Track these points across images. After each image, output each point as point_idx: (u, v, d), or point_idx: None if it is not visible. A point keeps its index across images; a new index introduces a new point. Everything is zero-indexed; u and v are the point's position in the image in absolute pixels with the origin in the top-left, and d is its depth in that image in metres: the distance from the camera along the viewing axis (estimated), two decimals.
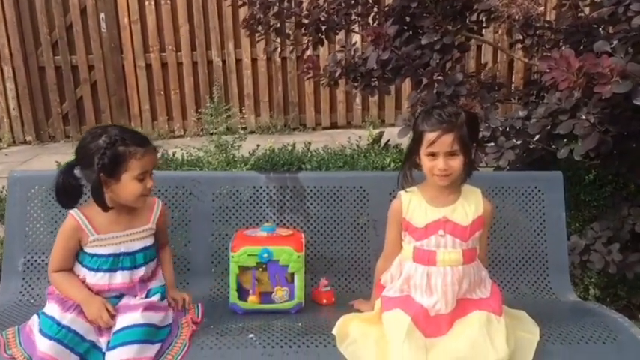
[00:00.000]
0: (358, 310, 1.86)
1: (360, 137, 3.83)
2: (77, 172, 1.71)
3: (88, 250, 1.72)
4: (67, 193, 1.69)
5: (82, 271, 1.73)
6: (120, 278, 1.72)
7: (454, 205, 1.72)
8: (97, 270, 1.71)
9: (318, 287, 2.04)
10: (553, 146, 2.39)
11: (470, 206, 1.72)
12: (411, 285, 1.71)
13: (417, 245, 1.72)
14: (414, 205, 1.74)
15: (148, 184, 1.70)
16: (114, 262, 1.72)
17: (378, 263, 1.86)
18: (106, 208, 1.68)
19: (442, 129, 1.63)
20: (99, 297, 1.68)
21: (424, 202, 1.73)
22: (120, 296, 1.72)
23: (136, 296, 1.73)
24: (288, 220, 2.18)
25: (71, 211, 1.73)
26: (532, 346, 1.66)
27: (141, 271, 1.75)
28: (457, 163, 1.65)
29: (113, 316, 1.65)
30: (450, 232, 1.69)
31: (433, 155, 1.65)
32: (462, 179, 1.71)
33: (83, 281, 1.72)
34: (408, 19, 2.62)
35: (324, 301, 1.99)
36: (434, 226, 1.70)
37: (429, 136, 1.64)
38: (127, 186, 1.67)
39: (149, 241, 1.80)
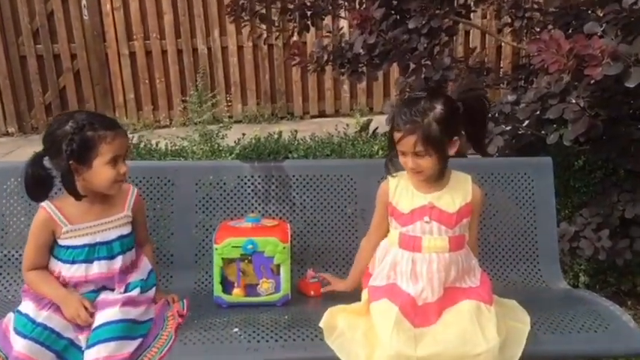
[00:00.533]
0: (332, 291, 1.87)
1: (347, 125, 3.78)
2: (46, 162, 1.64)
3: (62, 242, 1.66)
4: (36, 184, 1.63)
5: (57, 265, 1.67)
6: (97, 269, 1.67)
7: (441, 192, 1.68)
8: (73, 262, 1.66)
9: (305, 279, 1.99)
10: (542, 132, 2.35)
11: (458, 193, 1.68)
12: (397, 272, 1.68)
13: (403, 231, 1.69)
14: (400, 190, 1.71)
15: (121, 170, 1.65)
16: (89, 253, 1.67)
17: (361, 242, 1.85)
18: (78, 197, 1.62)
19: (405, 130, 1.58)
20: (76, 294, 1.63)
21: (411, 187, 1.69)
22: (98, 291, 1.67)
23: (114, 290, 1.68)
24: (273, 211, 2.13)
25: (42, 204, 1.67)
26: (523, 336, 1.63)
27: (118, 261, 1.70)
28: (426, 162, 1.60)
29: (92, 314, 1.59)
30: (435, 219, 1.66)
31: (403, 153, 1.62)
32: (439, 173, 1.65)
33: (59, 276, 1.66)
34: (394, 2, 2.56)
35: (312, 292, 1.95)
36: (419, 211, 1.67)
37: (396, 135, 1.62)
38: (100, 172, 1.62)
39: (126, 230, 1.74)
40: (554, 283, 2.09)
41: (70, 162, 1.57)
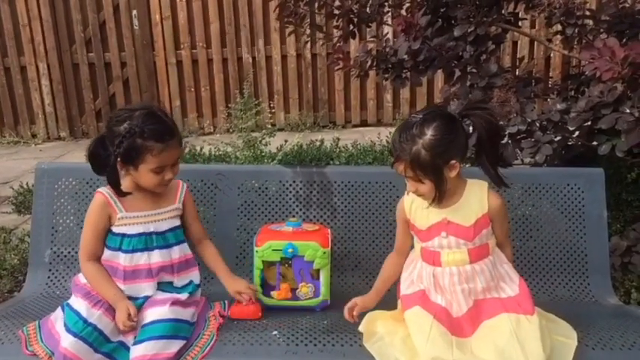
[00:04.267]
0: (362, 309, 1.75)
1: (390, 133, 3.75)
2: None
3: (116, 229, 1.70)
4: (95, 160, 1.66)
5: (119, 257, 1.70)
6: (159, 257, 1.71)
7: (456, 206, 1.63)
8: (133, 251, 1.69)
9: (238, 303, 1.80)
10: (594, 142, 2.27)
11: (473, 205, 1.63)
12: (424, 284, 1.66)
13: (423, 246, 1.67)
14: (415, 207, 1.68)
15: (166, 176, 1.67)
16: (148, 241, 1.70)
17: (387, 258, 1.81)
18: (120, 193, 1.66)
19: (395, 156, 1.58)
20: (126, 300, 1.64)
21: (426, 204, 1.65)
22: (147, 297, 1.70)
23: (172, 282, 1.72)
24: (314, 216, 2.12)
25: (99, 189, 1.72)
26: (570, 352, 1.56)
27: (176, 252, 1.74)
28: (422, 187, 1.57)
29: (135, 321, 1.60)
30: (452, 234, 1.62)
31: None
32: (442, 195, 1.58)
33: (124, 268, 1.69)
34: (442, 10, 2.54)
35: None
36: (436, 227, 1.64)
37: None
38: (144, 176, 1.65)
39: (177, 222, 1.78)
40: (604, 299, 2.00)
41: (118, 160, 1.61)
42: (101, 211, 1.70)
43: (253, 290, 1.78)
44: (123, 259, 1.69)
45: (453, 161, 1.55)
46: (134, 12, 5.94)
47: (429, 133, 1.52)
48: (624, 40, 2.34)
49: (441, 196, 1.58)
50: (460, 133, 1.57)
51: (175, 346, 1.57)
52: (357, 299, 1.73)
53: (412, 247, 1.75)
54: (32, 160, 4.96)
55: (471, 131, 1.64)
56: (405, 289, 1.70)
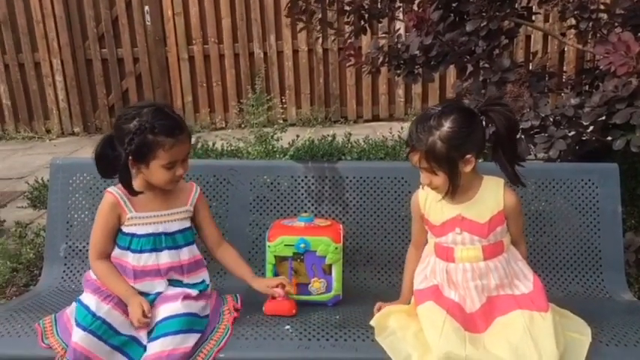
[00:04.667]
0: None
1: (402, 128, 3.75)
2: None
3: (126, 229, 1.71)
4: (103, 162, 1.67)
5: (127, 256, 1.71)
6: (167, 257, 1.71)
7: (471, 202, 1.62)
8: (141, 251, 1.70)
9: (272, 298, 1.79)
10: (608, 137, 2.25)
11: (488, 202, 1.62)
12: (437, 279, 1.66)
13: (437, 241, 1.67)
14: (430, 202, 1.67)
15: (177, 172, 1.67)
16: (156, 242, 1.71)
17: (407, 254, 1.81)
18: (132, 192, 1.67)
19: (411, 146, 1.57)
20: (138, 296, 1.66)
21: (439, 197, 1.63)
22: (158, 294, 1.71)
23: (182, 281, 1.73)
24: (326, 211, 2.13)
25: (109, 189, 1.73)
26: (584, 348, 1.55)
27: (185, 253, 1.74)
28: (436, 179, 1.56)
29: (148, 318, 1.61)
30: (467, 230, 1.61)
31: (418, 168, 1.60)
32: (455, 189, 1.57)
33: (132, 268, 1.70)
34: (454, 5, 2.52)
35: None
36: (450, 223, 1.63)
37: (407, 150, 1.62)
38: (156, 172, 1.65)
39: (187, 223, 1.78)
40: (618, 295, 1.99)
41: (129, 158, 1.62)
42: (111, 211, 1.71)
43: (285, 281, 1.76)
44: (131, 259, 1.70)
45: (469, 155, 1.54)
46: (146, 8, 5.96)
47: (447, 125, 1.52)
48: (639, 34, 2.30)
49: (454, 189, 1.57)
50: (478, 128, 1.57)
51: (191, 340, 1.59)
52: (392, 307, 1.71)
53: (426, 242, 1.75)
54: (47, 156, 5.01)
55: (488, 128, 1.63)
56: (418, 283, 1.70)
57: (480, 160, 1.61)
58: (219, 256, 1.85)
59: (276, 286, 1.74)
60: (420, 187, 1.69)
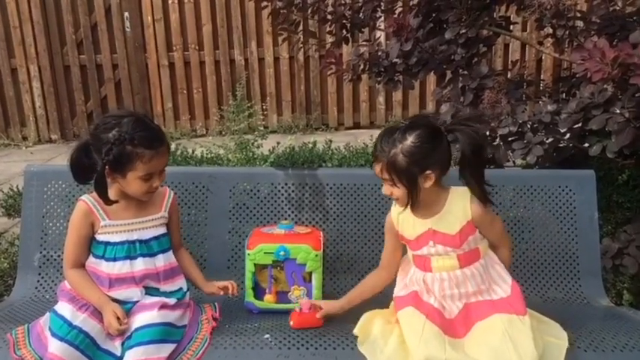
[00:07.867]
0: (326, 315, 1.73)
1: None
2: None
3: (99, 237, 1.68)
4: (79, 169, 1.65)
5: (102, 264, 1.68)
6: (142, 265, 1.69)
7: (439, 215, 1.63)
8: (115, 259, 1.67)
9: (297, 311, 1.75)
10: (584, 144, 2.28)
11: (456, 213, 1.62)
12: (415, 287, 1.67)
13: (414, 253, 1.69)
14: (402, 218, 1.69)
15: (154, 184, 1.66)
16: (130, 250, 1.68)
17: (370, 274, 1.79)
18: (107, 202, 1.64)
19: (374, 157, 1.60)
20: (112, 303, 1.63)
21: (411, 214, 1.66)
22: (135, 302, 1.68)
23: (158, 289, 1.70)
24: (306, 218, 2.12)
25: (82, 197, 1.71)
26: (561, 353, 1.56)
27: (160, 260, 1.72)
28: (397, 191, 1.58)
29: (125, 324, 1.59)
30: (440, 243, 1.63)
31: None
32: (410, 205, 1.59)
33: (107, 277, 1.67)
34: (433, 14, 2.54)
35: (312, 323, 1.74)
36: (424, 237, 1.65)
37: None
38: (132, 183, 1.63)
39: (162, 230, 1.76)
40: (595, 301, 2.01)
41: (106, 167, 1.59)
42: (84, 219, 1.68)
43: (231, 284, 1.79)
44: (105, 267, 1.68)
45: (429, 171, 1.55)
46: (126, 14, 5.91)
47: (410, 140, 1.53)
48: (615, 41, 2.34)
49: (413, 203, 1.59)
50: (442, 146, 1.57)
51: (166, 350, 1.56)
52: (322, 303, 1.75)
53: (405, 253, 1.75)
54: (23, 163, 4.89)
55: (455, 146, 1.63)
56: (398, 291, 1.71)
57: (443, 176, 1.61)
58: (177, 258, 1.82)
59: (224, 287, 1.78)
60: (393, 204, 1.71)
